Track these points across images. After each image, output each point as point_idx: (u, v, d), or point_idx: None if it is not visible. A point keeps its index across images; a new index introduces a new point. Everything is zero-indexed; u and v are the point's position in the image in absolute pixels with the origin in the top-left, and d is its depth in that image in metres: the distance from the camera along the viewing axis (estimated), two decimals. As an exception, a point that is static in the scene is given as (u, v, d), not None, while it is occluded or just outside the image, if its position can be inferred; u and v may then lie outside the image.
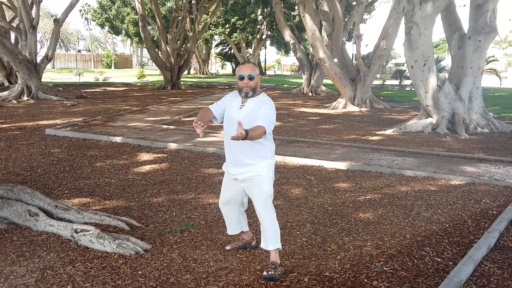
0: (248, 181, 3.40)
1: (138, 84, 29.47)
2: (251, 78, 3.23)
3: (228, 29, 40.08)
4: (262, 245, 3.46)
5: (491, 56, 31.05)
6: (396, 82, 33.72)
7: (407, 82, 31.04)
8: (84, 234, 3.85)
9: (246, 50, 47.59)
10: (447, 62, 29.12)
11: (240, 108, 3.34)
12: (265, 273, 3.31)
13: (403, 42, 11.14)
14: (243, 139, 2.90)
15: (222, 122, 3.47)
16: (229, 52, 52.67)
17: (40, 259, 3.60)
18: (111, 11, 40.29)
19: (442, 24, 12.48)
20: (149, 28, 26.82)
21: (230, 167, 3.49)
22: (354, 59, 22.57)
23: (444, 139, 9.96)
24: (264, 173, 3.34)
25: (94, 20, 43.32)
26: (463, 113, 11.05)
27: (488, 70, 30.45)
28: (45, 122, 11.05)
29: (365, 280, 3.38)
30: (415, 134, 10.55)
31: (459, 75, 11.46)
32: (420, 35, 10.64)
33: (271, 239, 3.39)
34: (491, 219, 4.81)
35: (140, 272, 3.43)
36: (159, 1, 29.57)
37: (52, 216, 4.35)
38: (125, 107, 14.72)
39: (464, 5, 18.70)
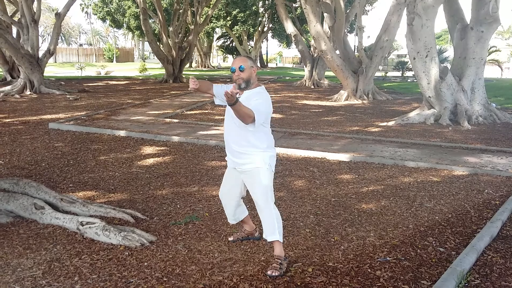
0: (247, 173, 3.42)
1: (140, 77, 29.46)
2: (241, 70, 3.31)
3: (230, 22, 39.97)
4: (264, 236, 3.47)
5: (493, 47, 30.90)
6: (398, 73, 33.67)
7: (409, 73, 31.01)
8: (90, 227, 3.89)
9: (248, 43, 47.48)
10: (449, 53, 29.04)
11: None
12: (269, 272, 3.30)
13: (405, 33, 11.09)
14: (232, 104, 3.01)
15: (218, 106, 3.51)
16: (230, 45, 52.56)
17: (47, 252, 3.64)
18: (112, 4, 40.18)
19: (444, 15, 12.43)
20: (150, 21, 26.77)
21: (229, 156, 3.55)
22: (356, 51, 22.51)
23: (446, 130, 9.96)
24: (261, 165, 3.35)
25: (95, 14, 43.22)
26: (465, 104, 11.03)
27: (491, 61, 30.33)
28: (48, 116, 11.08)
29: (369, 270, 3.41)
30: (418, 126, 10.55)
31: (461, 66, 11.43)
32: (422, 26, 10.60)
33: (269, 230, 3.39)
34: (494, 209, 4.83)
35: (146, 263, 3.47)
36: (160, -6, 29.44)
37: (58, 209, 4.38)
38: (128, 101, 14.74)
39: (467, -4, 18.55)
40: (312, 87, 23.33)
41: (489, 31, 11.14)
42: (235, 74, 3.34)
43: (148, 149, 7.60)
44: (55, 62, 52.21)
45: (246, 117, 3.13)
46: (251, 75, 3.36)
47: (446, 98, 10.96)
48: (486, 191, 5.52)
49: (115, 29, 59.48)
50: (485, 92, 11.52)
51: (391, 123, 10.79)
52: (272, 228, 3.38)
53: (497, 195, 5.37)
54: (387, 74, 33.44)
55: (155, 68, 42.66)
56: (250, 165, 3.38)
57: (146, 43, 52.88)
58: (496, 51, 31.75)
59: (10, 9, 23.57)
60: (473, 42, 11.15)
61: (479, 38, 11.10)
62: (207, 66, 52.34)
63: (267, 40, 54.54)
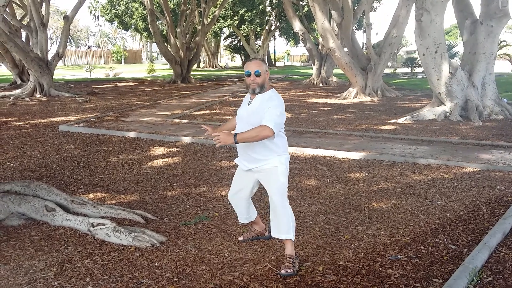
0: (263, 172, 3.40)
1: (149, 78, 29.58)
2: (257, 74, 3.24)
3: (237, 21, 39.96)
4: (273, 233, 3.45)
5: (504, 41, 30.55)
6: (408, 70, 33.47)
7: (418, 69, 30.82)
8: (100, 228, 3.91)
9: (255, 42, 47.43)
10: (459, 48, 28.78)
11: (249, 104, 3.37)
12: (283, 271, 3.27)
13: (414, 29, 11.01)
14: (236, 142, 3.10)
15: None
16: (238, 44, 52.56)
17: (59, 253, 3.67)
18: (119, 6, 40.39)
19: (453, 10, 12.31)
20: (158, 22, 26.88)
21: (242, 161, 3.52)
22: (364, 48, 22.39)
23: (457, 126, 9.87)
24: (278, 165, 3.35)
25: (103, 16, 43.48)
26: (476, 100, 10.92)
27: (501, 56, 30.02)
28: (58, 118, 11.17)
29: (380, 269, 3.39)
30: (428, 122, 10.47)
31: (471, 62, 11.31)
32: (431, 21, 10.51)
33: (283, 228, 3.37)
34: (506, 205, 4.78)
35: (156, 264, 3.48)
36: (167, -5, 29.51)
37: (69, 211, 4.42)
38: (137, 102, 14.81)
39: (476, -10, 18.36)
40: (321, 85, 23.26)
41: (499, 25, 11.02)
42: (249, 78, 3.27)
43: (157, 150, 7.63)
44: (64, 64, 52.59)
45: (262, 133, 3.11)
46: (266, 80, 3.31)
47: (456, 94, 10.85)
48: (498, 187, 5.46)
49: (123, 31, 59.79)
50: (495, 87, 11.39)
51: (401, 120, 10.72)
52: (287, 227, 3.36)
53: (509, 191, 5.30)
54: (396, 71, 33.21)
55: (163, 69, 42.81)
56: (265, 166, 3.38)
57: (154, 44, 53.12)
58: (506, 45, 31.38)
59: (19, 13, 23.75)
60: (483, 37, 11.03)
61: (489, 33, 10.98)
62: (215, 66, 52.42)
63: (274, 38, 54.47)
